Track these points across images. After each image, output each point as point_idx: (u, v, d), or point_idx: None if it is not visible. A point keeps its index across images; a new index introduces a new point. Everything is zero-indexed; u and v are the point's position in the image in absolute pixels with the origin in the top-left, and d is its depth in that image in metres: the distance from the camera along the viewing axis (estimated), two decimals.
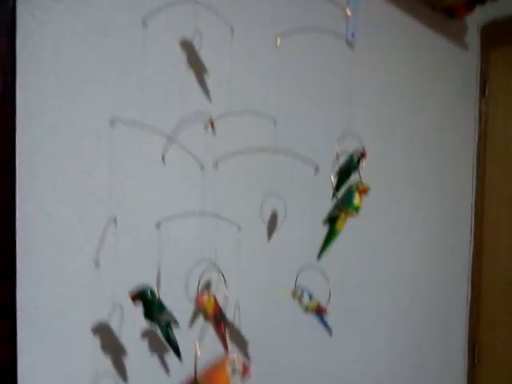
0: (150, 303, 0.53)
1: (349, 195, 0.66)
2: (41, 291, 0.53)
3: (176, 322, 0.54)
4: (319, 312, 0.72)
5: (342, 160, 0.71)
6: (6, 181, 0.49)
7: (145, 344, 0.62)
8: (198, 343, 0.58)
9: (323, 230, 0.68)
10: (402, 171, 1.14)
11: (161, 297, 0.55)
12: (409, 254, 1.17)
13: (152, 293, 0.53)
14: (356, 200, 0.65)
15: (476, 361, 1.37)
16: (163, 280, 0.62)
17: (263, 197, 0.80)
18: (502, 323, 1.34)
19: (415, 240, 1.19)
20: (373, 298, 1.07)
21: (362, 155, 0.70)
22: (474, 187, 1.39)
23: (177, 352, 0.54)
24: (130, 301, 0.53)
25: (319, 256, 0.67)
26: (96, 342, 0.57)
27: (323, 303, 0.70)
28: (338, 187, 0.72)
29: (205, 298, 0.61)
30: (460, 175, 1.36)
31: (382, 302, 1.09)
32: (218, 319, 0.61)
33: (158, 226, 0.62)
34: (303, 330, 0.91)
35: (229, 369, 0.49)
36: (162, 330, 0.54)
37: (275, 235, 0.83)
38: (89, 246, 0.58)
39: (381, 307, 1.08)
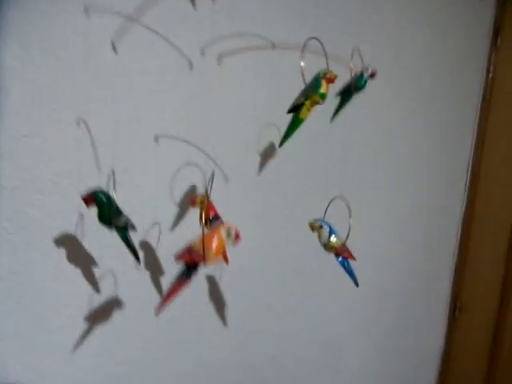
0: (103, 205, 0.49)
1: (315, 82, 0.60)
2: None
3: (133, 226, 0.52)
4: (342, 254, 0.65)
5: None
6: None
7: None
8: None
9: None
10: (398, 122, 1.08)
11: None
12: (400, 206, 1.15)
13: (105, 195, 0.49)
14: (322, 88, 0.60)
15: (457, 313, 1.41)
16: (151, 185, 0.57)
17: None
18: (485, 280, 1.39)
19: (407, 192, 1.16)
20: (361, 240, 1.02)
21: (373, 74, 0.65)
22: (473, 144, 1.31)
23: (136, 255, 0.53)
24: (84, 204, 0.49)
25: (280, 144, 0.62)
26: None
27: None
28: (339, 108, 0.68)
29: (198, 197, 0.58)
30: (460, 130, 1.28)
31: (369, 246, 1.08)
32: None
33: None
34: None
35: (224, 233, 0.50)
36: (119, 234, 0.51)
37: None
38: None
39: (368, 252, 1.07)
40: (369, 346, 1.17)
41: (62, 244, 0.58)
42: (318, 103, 0.61)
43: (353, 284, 0.67)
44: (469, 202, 1.36)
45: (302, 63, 0.58)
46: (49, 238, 0.56)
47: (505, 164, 1.34)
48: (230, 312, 0.80)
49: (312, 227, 0.66)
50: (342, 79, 0.66)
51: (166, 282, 0.68)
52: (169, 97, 0.64)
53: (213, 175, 0.53)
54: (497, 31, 1.31)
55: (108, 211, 0.49)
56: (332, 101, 0.69)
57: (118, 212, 0.50)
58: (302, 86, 0.61)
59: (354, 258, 0.66)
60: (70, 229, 0.58)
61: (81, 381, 0.65)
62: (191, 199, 0.62)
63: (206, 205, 0.56)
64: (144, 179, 0.62)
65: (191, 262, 0.48)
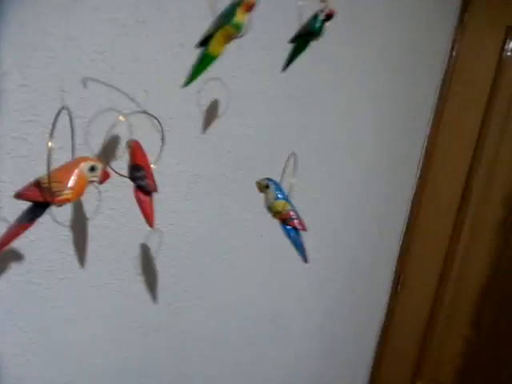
0: None
1: (230, 10, 0.49)
2: None
3: None
4: (289, 222, 0.55)
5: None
6: None
7: None
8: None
9: None
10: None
11: None
12: (352, 177, 1.08)
13: None
14: (237, 17, 0.49)
15: (399, 288, 1.43)
16: None
17: None
18: (429, 257, 1.39)
19: (360, 162, 1.09)
20: (310, 209, 0.94)
21: (329, 15, 0.56)
22: (431, 122, 1.25)
23: None
24: None
25: (185, 83, 0.52)
26: None
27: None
28: (292, 57, 0.59)
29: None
30: (419, 106, 1.21)
31: (318, 217, 1.01)
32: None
33: None
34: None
35: (85, 167, 0.40)
36: None
37: None
38: None
39: (316, 222, 0.98)
40: (312, 319, 1.12)
41: None
42: (233, 36, 0.50)
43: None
44: (420, 179, 1.34)
45: None
46: None
47: (459, 142, 1.31)
48: (166, 282, 0.71)
49: (259, 187, 0.56)
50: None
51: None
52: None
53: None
54: (465, 7, 1.25)
55: None
56: (286, 48, 0.59)
57: None
58: None
59: (304, 229, 0.56)
60: None
61: None
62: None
63: (133, 149, 0.47)
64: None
65: (34, 200, 0.39)
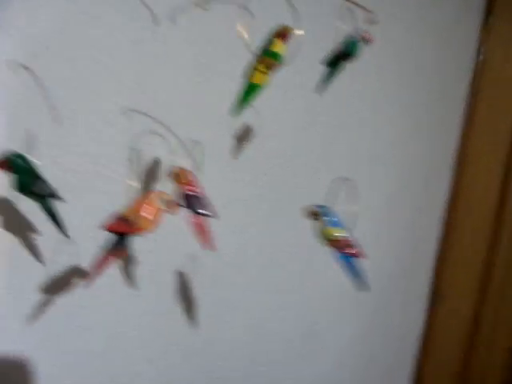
0: (20, 171, 0.42)
1: (267, 41, 0.51)
2: None
3: (56, 195, 0.45)
4: (344, 249, 0.53)
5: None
6: None
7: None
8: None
9: None
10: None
11: None
12: (383, 192, 1.06)
13: (23, 158, 0.43)
14: (275, 46, 0.51)
15: (437, 300, 1.34)
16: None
17: None
18: (467, 266, 1.30)
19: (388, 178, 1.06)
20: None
21: (367, 40, 0.56)
22: (461, 129, 1.24)
23: (62, 228, 0.46)
24: None
25: (234, 113, 0.55)
26: None
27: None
28: (328, 79, 0.60)
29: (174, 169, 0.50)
30: (447, 115, 1.20)
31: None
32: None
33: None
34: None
35: (157, 199, 0.45)
36: (40, 203, 0.45)
37: None
38: None
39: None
40: (348, 332, 1.10)
41: None
42: (273, 65, 0.52)
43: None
44: (454, 186, 1.26)
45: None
46: None
47: (492, 149, 1.24)
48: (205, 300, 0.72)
49: (309, 214, 0.55)
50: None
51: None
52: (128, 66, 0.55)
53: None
54: (490, 10, 1.24)
55: (26, 178, 0.43)
56: (319, 69, 0.60)
57: (38, 178, 0.44)
58: None
59: (363, 256, 0.54)
60: None
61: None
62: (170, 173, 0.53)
63: (183, 177, 0.49)
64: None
65: (120, 231, 0.43)
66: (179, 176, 0.51)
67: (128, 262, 0.64)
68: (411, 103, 1.06)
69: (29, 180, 0.43)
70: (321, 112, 0.81)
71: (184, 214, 0.51)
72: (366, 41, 0.57)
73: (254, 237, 0.78)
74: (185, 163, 0.53)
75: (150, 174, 0.60)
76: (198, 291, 0.72)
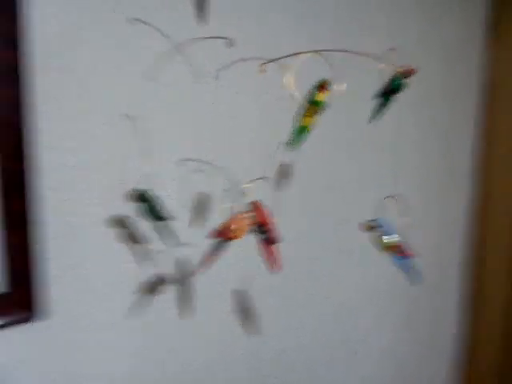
0: (148, 203, 0.63)
1: (311, 93, 0.62)
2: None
3: (172, 217, 0.66)
4: (399, 253, 0.65)
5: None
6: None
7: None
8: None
9: None
10: None
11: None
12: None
13: (149, 194, 0.64)
14: (316, 96, 0.62)
15: (471, 300, 1.41)
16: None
17: None
18: (500, 268, 1.34)
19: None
20: None
21: (407, 73, 0.64)
22: (476, 144, 1.29)
23: (176, 241, 0.67)
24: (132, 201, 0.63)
25: (291, 147, 0.69)
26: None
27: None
28: (378, 111, 0.70)
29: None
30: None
31: None
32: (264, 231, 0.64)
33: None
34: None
35: (245, 217, 0.62)
36: (162, 224, 0.65)
37: None
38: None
39: None
40: (385, 334, 1.16)
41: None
42: (317, 111, 0.64)
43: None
44: (479, 188, 1.33)
45: None
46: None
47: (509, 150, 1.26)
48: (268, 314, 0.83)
49: (366, 227, 0.67)
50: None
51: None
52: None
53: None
54: (494, 24, 1.30)
55: (152, 207, 0.64)
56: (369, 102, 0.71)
57: (160, 207, 0.65)
58: None
59: (412, 256, 0.66)
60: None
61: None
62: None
63: (256, 208, 0.65)
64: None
65: (221, 237, 0.62)
66: (254, 207, 0.62)
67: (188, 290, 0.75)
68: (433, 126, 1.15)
69: (154, 208, 0.63)
70: (369, 139, 0.91)
71: (252, 239, 0.61)
72: (409, 74, 0.65)
73: (319, 253, 0.88)
74: (257, 197, 0.63)
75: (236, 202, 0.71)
76: (261, 305, 0.82)
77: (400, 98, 0.97)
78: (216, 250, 0.67)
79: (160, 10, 0.62)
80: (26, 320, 0.62)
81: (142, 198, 0.64)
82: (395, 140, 1.02)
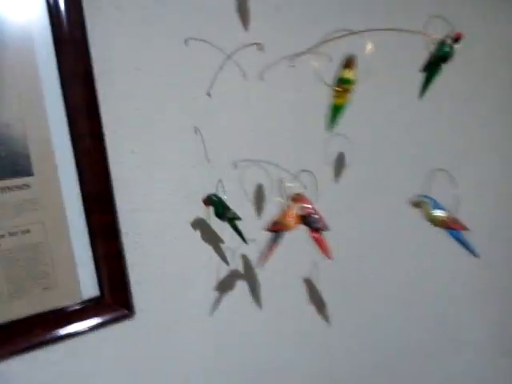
0: (217, 205, 0.72)
1: (339, 72, 0.65)
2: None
3: (239, 217, 0.73)
4: (452, 226, 0.67)
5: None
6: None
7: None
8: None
9: None
10: None
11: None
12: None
13: (217, 197, 0.72)
14: (343, 73, 0.66)
15: None
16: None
17: None
18: None
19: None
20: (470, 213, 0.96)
21: (456, 38, 0.63)
22: None
23: (242, 237, 0.74)
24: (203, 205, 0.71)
25: (328, 128, 0.74)
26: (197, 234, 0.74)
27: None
28: (427, 84, 0.69)
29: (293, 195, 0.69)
30: None
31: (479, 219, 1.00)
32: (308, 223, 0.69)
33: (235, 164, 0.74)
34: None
35: (296, 209, 0.68)
36: (229, 223, 0.74)
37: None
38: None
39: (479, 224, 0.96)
40: (486, 321, 1.08)
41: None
42: (347, 89, 0.67)
43: (465, 257, 0.69)
44: None
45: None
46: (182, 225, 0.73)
47: None
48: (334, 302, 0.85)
49: (414, 204, 0.68)
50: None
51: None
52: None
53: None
54: None
55: (221, 208, 0.71)
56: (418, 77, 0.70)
57: (227, 208, 0.72)
58: None
59: (466, 229, 0.68)
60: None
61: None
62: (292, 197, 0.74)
63: (302, 200, 0.70)
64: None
65: (276, 230, 0.69)
66: (298, 198, 0.66)
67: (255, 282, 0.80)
68: (499, 100, 1.08)
69: (221, 210, 0.71)
70: (418, 113, 0.90)
71: (304, 229, 0.65)
72: (457, 39, 0.63)
73: (370, 237, 0.88)
74: (301, 188, 0.68)
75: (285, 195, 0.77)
76: (326, 293, 0.84)
77: (449, 69, 0.94)
78: (273, 242, 0.72)
79: (209, 24, 0.69)
80: (122, 318, 0.72)
81: (211, 202, 0.72)
82: (449, 113, 0.98)
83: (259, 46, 0.70)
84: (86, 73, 0.60)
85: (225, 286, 0.78)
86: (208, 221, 0.73)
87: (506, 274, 1.12)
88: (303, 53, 0.67)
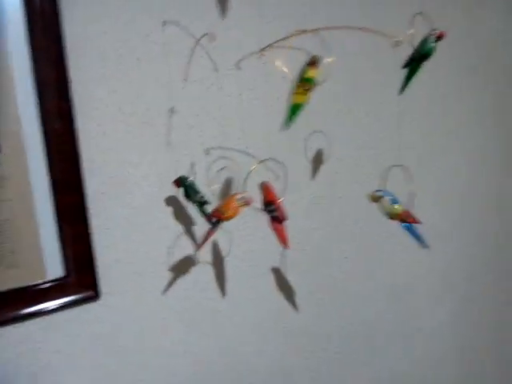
0: (186, 186, 0.72)
1: (303, 69, 0.66)
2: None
3: (207, 201, 0.73)
4: (406, 219, 0.70)
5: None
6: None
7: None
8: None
9: None
10: None
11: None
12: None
13: (187, 179, 0.72)
14: (307, 73, 0.66)
15: None
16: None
17: None
18: None
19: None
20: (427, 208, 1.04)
21: (439, 36, 0.64)
22: None
23: (210, 221, 0.73)
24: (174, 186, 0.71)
25: (285, 126, 0.74)
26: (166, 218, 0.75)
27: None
28: (407, 80, 0.70)
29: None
30: None
31: (437, 213, 1.11)
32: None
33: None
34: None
35: (237, 199, 0.67)
36: (198, 207, 0.73)
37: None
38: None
39: (436, 218, 1.11)
40: (441, 312, 1.16)
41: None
42: (308, 87, 0.67)
43: (419, 248, 0.73)
44: None
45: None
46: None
47: None
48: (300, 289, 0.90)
49: (372, 198, 0.70)
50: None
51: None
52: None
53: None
54: None
55: (190, 191, 0.71)
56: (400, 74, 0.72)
57: (196, 191, 0.72)
58: None
59: (418, 222, 0.72)
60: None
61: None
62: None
63: (265, 189, 0.71)
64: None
65: (216, 217, 0.70)
66: (264, 189, 0.67)
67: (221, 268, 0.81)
68: (479, 95, 1.11)
69: (191, 192, 0.71)
70: (396, 110, 0.92)
71: (266, 219, 0.67)
72: (439, 38, 0.64)
73: (333, 226, 0.91)
74: (266, 178, 0.69)
75: (230, 186, 0.78)
76: (294, 281, 0.86)
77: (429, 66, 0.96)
78: (212, 230, 0.72)
79: (186, 9, 0.70)
80: (88, 300, 0.72)
81: (181, 183, 0.72)
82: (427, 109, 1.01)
83: (235, 36, 0.71)
84: (57, 50, 0.60)
85: (180, 268, 0.79)
86: (181, 201, 0.75)
87: (456, 264, 1.17)
88: (275, 45, 0.68)
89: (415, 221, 0.72)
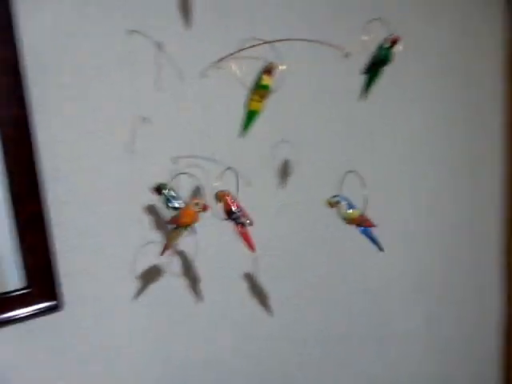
0: (165, 194, 0.71)
1: (258, 76, 0.66)
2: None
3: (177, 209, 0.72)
4: (362, 224, 0.71)
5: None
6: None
7: None
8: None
9: None
10: None
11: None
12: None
13: (166, 186, 0.71)
14: (262, 80, 0.66)
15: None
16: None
17: None
18: None
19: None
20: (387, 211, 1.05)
21: (393, 42, 0.64)
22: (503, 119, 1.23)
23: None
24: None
25: (241, 134, 0.75)
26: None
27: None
28: (368, 86, 0.71)
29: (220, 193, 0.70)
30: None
31: (396, 216, 1.12)
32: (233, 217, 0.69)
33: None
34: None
35: (194, 205, 0.68)
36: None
37: None
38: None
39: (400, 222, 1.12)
40: (415, 315, 1.17)
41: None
42: (264, 94, 0.68)
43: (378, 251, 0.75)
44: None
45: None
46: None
47: None
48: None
49: (330, 203, 0.71)
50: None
51: None
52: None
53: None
54: None
55: (169, 198, 0.71)
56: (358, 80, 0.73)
57: (175, 198, 0.72)
58: None
59: (373, 226, 0.74)
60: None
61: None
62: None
63: (225, 197, 0.71)
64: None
65: (173, 223, 0.70)
66: (222, 197, 0.67)
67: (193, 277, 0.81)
68: (442, 100, 1.13)
69: (170, 199, 0.70)
70: (361, 116, 0.93)
71: (230, 225, 0.67)
72: (394, 42, 0.64)
73: (293, 232, 0.91)
74: (225, 187, 0.69)
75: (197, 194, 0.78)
76: (268, 286, 0.87)
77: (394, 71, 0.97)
78: (171, 236, 0.73)
79: (149, 18, 0.70)
80: (51, 310, 0.71)
81: (158, 191, 0.72)
82: (389, 117, 1.02)
83: (200, 45, 0.71)
84: (11, 57, 0.59)
85: (146, 276, 0.79)
86: (150, 208, 0.76)
87: (429, 266, 1.19)
88: (236, 55, 0.69)
89: (371, 224, 0.74)
